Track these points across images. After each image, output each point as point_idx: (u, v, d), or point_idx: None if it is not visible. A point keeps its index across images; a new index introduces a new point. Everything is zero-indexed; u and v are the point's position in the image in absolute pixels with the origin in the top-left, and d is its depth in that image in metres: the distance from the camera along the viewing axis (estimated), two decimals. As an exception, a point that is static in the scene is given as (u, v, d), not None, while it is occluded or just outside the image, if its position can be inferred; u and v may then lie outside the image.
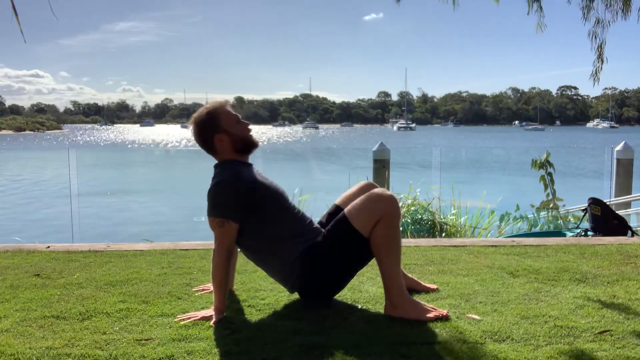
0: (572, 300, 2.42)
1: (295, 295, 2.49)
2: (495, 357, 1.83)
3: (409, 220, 5.85)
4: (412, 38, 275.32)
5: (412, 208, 6.07)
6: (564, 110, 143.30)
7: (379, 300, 2.44)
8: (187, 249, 3.52)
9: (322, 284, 2.38)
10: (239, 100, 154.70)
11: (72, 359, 1.84)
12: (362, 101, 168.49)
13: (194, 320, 2.20)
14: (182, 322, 2.18)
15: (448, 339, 1.98)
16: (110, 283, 2.75)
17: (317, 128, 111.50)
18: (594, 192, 6.12)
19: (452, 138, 59.12)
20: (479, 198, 6.49)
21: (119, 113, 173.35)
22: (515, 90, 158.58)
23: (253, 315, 2.29)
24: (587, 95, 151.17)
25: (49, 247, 3.61)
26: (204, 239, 3.74)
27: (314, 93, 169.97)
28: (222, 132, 2.36)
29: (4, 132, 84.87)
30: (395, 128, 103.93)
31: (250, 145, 2.42)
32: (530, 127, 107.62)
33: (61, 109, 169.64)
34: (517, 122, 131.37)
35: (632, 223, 6.36)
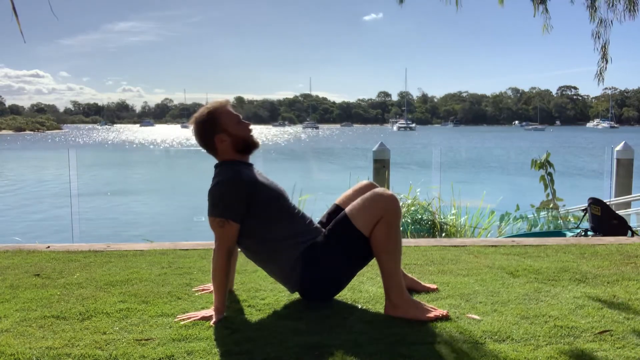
0: (572, 300, 2.42)
1: (296, 295, 2.49)
2: (495, 357, 1.83)
3: (409, 220, 5.84)
4: (412, 38, 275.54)
5: (412, 208, 6.07)
6: (564, 110, 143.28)
7: (379, 300, 2.44)
8: (187, 249, 3.52)
9: (322, 284, 2.37)
10: (239, 100, 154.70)
11: (72, 359, 1.84)
12: (362, 101, 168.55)
13: (194, 320, 2.20)
14: (182, 322, 2.18)
15: (448, 339, 1.98)
16: (110, 283, 2.74)
17: (317, 128, 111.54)
18: (594, 192, 6.11)
19: (452, 138, 59.13)
20: (479, 198, 6.49)
21: (119, 113, 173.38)
22: (515, 90, 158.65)
23: (253, 315, 2.29)
24: (587, 95, 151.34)
25: (49, 247, 3.61)
26: (204, 239, 3.74)
27: (314, 93, 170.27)
28: (222, 132, 2.36)
29: (4, 132, 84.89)
30: (395, 128, 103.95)
31: (251, 145, 2.41)
32: (530, 127, 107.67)
33: (61, 109, 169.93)
34: (517, 122, 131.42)
35: (632, 223, 6.36)
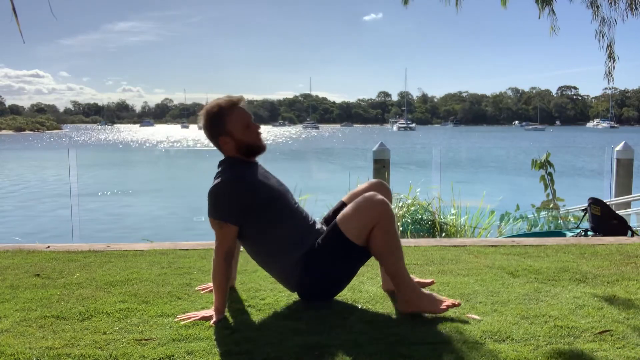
0: (572, 300, 2.42)
1: (296, 295, 2.49)
2: (495, 357, 1.82)
3: (409, 220, 5.84)
4: (412, 38, 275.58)
5: (412, 208, 6.06)
6: (564, 110, 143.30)
7: (379, 300, 2.44)
8: (187, 249, 3.52)
9: (321, 286, 2.37)
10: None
11: (72, 359, 1.84)
12: (362, 101, 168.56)
13: (194, 320, 2.19)
14: (182, 322, 2.18)
15: (448, 339, 1.98)
16: (110, 283, 2.74)
17: (317, 128, 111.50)
18: (594, 192, 6.12)
19: (452, 138, 59.10)
20: (479, 198, 6.49)
21: (119, 113, 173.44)
22: (515, 90, 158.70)
23: (253, 315, 2.29)
24: (587, 95, 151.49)
25: (49, 247, 3.61)
26: (204, 239, 3.74)
27: (314, 93, 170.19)
28: (227, 134, 2.33)
29: (4, 132, 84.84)
30: (395, 128, 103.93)
31: (255, 150, 2.38)
32: (530, 127, 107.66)
33: (61, 109, 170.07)
34: (517, 122, 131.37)
35: (632, 223, 6.36)
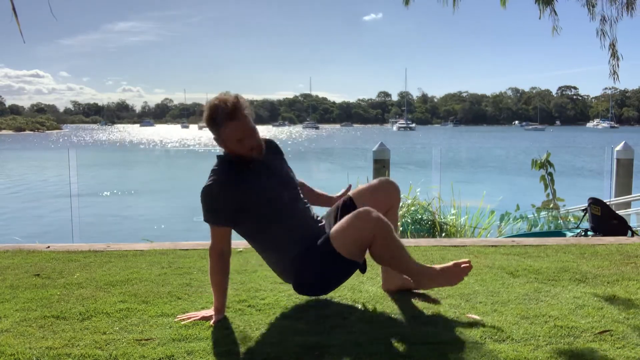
0: (572, 300, 2.42)
1: (295, 295, 2.49)
2: (495, 357, 1.83)
3: (409, 220, 5.84)
4: (412, 38, 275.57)
5: (412, 208, 6.06)
6: (564, 110, 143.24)
7: (379, 300, 2.44)
8: (187, 249, 3.52)
9: (313, 287, 2.37)
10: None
11: (72, 359, 1.84)
12: (362, 101, 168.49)
13: (194, 320, 2.20)
14: (182, 322, 2.18)
15: (448, 339, 1.98)
16: (110, 283, 2.74)
17: (317, 128, 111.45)
18: (594, 192, 6.12)
19: (452, 138, 59.10)
20: (479, 198, 6.49)
21: (119, 113, 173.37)
22: (515, 90, 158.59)
23: (253, 315, 2.29)
24: (587, 95, 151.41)
25: (49, 247, 3.61)
26: (204, 239, 3.72)
27: (314, 93, 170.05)
28: (220, 142, 2.29)
29: (4, 132, 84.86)
30: (395, 128, 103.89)
31: (247, 160, 2.29)
32: (530, 127, 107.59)
33: (61, 109, 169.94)
34: (517, 122, 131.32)
35: (632, 223, 6.36)
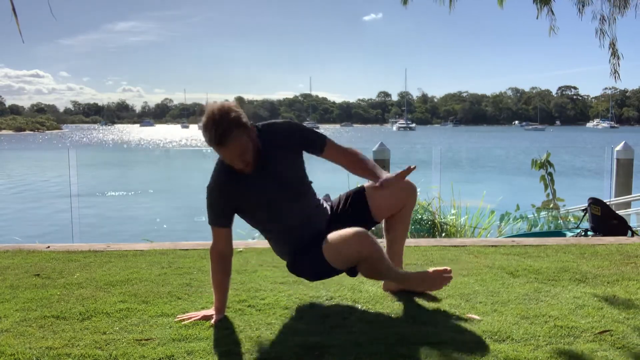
0: (572, 300, 2.42)
1: (295, 296, 2.50)
2: (495, 357, 1.83)
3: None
4: (412, 38, 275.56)
5: (412, 208, 6.05)
6: (564, 110, 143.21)
7: (379, 300, 2.44)
8: (187, 249, 3.52)
9: (308, 277, 2.44)
10: (239, 101, 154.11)
11: (72, 359, 1.84)
12: (362, 101, 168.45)
13: (194, 320, 2.20)
14: (182, 322, 2.18)
15: (448, 339, 1.98)
16: (110, 283, 2.74)
17: (317, 128, 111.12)
18: (594, 192, 6.12)
19: (452, 138, 59.08)
20: (479, 198, 6.49)
21: (119, 113, 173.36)
22: (515, 90, 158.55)
23: (253, 315, 2.29)
24: (587, 95, 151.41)
25: (49, 247, 3.61)
26: (204, 239, 3.73)
27: (314, 93, 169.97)
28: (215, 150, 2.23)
29: (4, 132, 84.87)
30: (395, 128, 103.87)
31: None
32: (530, 127, 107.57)
33: (61, 109, 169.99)
34: (517, 122, 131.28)
35: (632, 223, 6.36)
